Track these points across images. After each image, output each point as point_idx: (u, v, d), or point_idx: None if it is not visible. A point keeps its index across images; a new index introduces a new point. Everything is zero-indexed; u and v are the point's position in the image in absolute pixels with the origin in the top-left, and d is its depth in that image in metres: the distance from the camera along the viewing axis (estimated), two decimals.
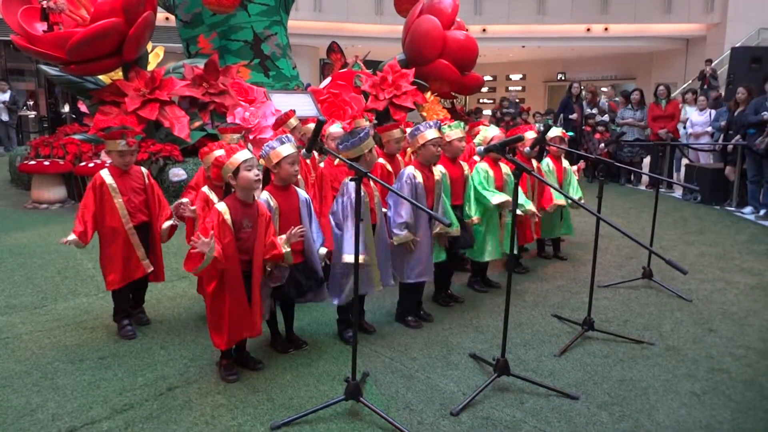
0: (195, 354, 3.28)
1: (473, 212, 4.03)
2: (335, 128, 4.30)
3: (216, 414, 2.66)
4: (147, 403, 2.75)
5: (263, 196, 3.06)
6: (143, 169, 3.67)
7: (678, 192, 9.41)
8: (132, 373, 3.05)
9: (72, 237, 3.33)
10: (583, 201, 4.60)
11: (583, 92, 11.57)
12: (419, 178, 3.55)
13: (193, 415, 2.65)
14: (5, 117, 13.97)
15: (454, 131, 3.87)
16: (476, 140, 4.93)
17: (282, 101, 8.56)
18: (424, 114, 9.40)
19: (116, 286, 3.52)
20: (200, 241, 2.65)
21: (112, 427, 2.55)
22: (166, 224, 3.60)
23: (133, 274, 3.54)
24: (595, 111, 11.10)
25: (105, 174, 3.48)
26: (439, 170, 3.71)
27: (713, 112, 9.16)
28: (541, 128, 6.91)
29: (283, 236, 2.92)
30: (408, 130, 3.87)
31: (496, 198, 3.99)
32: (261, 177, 2.93)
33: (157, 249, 3.69)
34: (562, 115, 11.11)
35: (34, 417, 2.62)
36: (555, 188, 2.99)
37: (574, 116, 10.86)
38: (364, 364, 3.14)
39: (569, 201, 4.81)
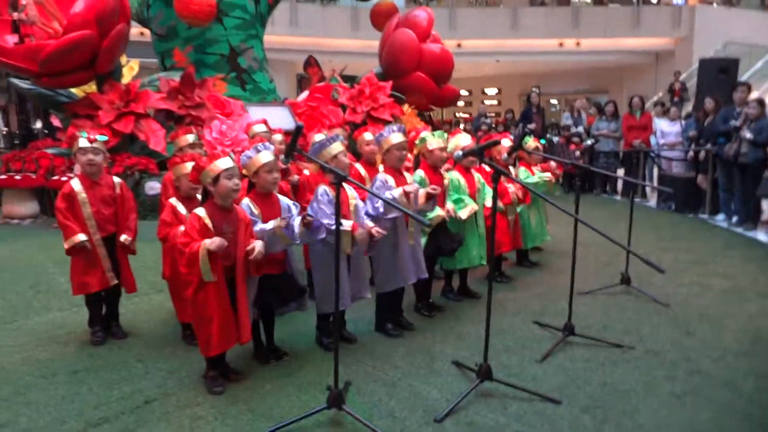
0: (173, 366, 3.21)
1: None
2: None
3: (195, 426, 2.60)
4: (123, 416, 2.68)
5: (244, 203, 3.04)
6: (116, 180, 3.62)
7: (653, 201, 9.57)
8: (107, 386, 2.97)
9: (81, 237, 3.33)
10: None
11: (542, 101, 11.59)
12: (391, 182, 3.55)
13: (171, 427, 2.58)
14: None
15: (436, 140, 3.87)
16: (449, 149, 4.89)
17: (259, 114, 8.52)
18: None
19: (80, 293, 3.51)
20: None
21: None
22: (122, 238, 3.56)
23: (97, 285, 3.49)
24: (570, 122, 11.24)
25: (75, 183, 3.45)
26: (419, 174, 3.71)
27: (683, 122, 9.37)
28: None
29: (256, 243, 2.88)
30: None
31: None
32: (240, 186, 2.91)
33: (122, 260, 3.63)
34: (521, 125, 11.18)
35: None
36: (539, 195, 3.02)
37: (532, 126, 10.90)
38: (346, 373, 3.09)
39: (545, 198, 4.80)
